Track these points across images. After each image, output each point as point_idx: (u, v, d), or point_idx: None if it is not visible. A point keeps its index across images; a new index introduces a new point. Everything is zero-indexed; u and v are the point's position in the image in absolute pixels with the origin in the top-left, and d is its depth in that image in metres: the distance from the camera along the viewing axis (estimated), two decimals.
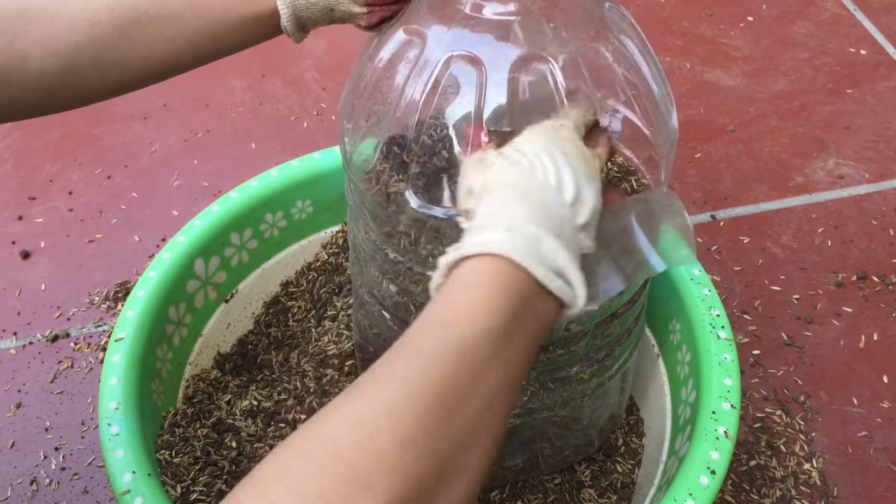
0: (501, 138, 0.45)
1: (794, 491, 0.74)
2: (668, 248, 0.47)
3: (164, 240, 0.96)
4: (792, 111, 1.11)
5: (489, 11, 0.49)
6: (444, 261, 0.38)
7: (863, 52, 1.20)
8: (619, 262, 0.46)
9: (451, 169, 0.50)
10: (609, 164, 0.58)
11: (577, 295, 0.38)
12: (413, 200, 0.50)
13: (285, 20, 0.51)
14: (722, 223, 0.97)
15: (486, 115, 0.47)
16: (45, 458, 0.77)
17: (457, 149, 0.48)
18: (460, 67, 0.48)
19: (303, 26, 0.52)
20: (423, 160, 0.51)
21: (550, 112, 0.47)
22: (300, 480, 0.29)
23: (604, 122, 0.49)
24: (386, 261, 0.56)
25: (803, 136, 1.08)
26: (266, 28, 0.52)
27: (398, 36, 0.51)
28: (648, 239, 0.47)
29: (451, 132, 0.49)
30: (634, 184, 0.57)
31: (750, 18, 1.26)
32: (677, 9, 1.28)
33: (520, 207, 0.38)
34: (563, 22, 0.49)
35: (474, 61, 0.48)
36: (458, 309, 0.35)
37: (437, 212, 0.50)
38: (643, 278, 0.47)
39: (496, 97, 0.47)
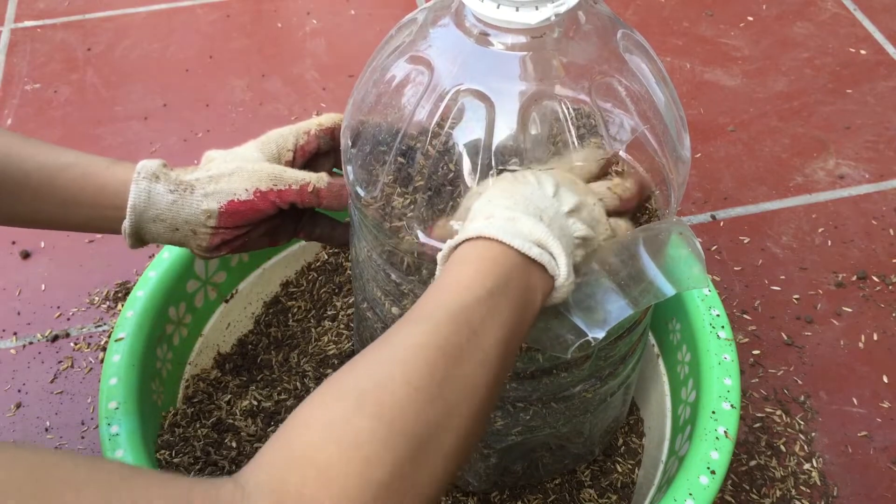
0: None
1: (794, 491, 0.74)
2: (678, 273, 0.47)
3: None
4: (792, 111, 1.11)
5: (498, 43, 0.47)
6: (440, 255, 0.44)
7: (863, 52, 1.20)
8: (626, 289, 0.46)
9: (455, 201, 0.49)
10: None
11: (559, 263, 0.42)
12: (421, 236, 0.49)
13: (127, 225, 0.55)
14: (722, 223, 0.97)
15: (494, 152, 0.45)
16: None
17: (464, 182, 0.47)
18: (468, 102, 0.47)
19: (141, 238, 0.56)
20: (429, 182, 0.50)
21: (560, 149, 0.48)
22: (334, 422, 0.35)
23: (612, 131, 0.49)
24: (388, 282, 0.55)
25: (803, 136, 1.08)
26: (112, 224, 0.56)
27: (404, 63, 0.50)
28: (657, 265, 0.47)
29: (459, 169, 0.48)
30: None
31: (750, 18, 1.26)
32: (677, 9, 1.28)
33: (501, 201, 0.44)
34: (576, 56, 0.48)
35: (483, 97, 0.46)
36: (455, 280, 0.41)
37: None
38: (651, 302, 0.47)
39: (505, 135, 0.46)
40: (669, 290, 0.46)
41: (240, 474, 0.34)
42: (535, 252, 0.41)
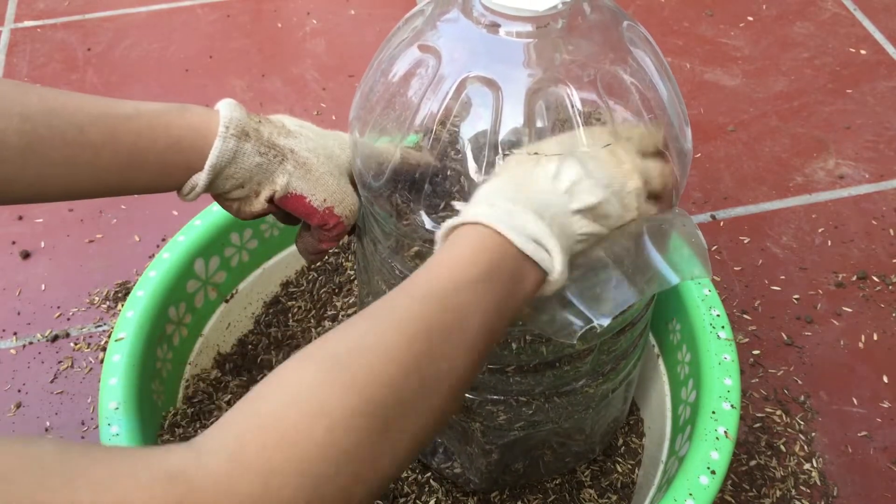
0: None
1: (794, 491, 0.74)
2: (681, 263, 0.47)
3: (164, 240, 0.96)
4: (792, 111, 1.11)
5: (505, 32, 0.48)
6: (439, 232, 0.44)
7: (863, 52, 1.20)
8: (632, 278, 0.47)
9: (463, 187, 0.49)
10: None
11: (554, 261, 0.42)
12: (428, 223, 0.50)
13: (202, 186, 0.50)
14: (722, 223, 0.97)
15: (501, 138, 0.46)
16: None
17: (471, 168, 0.48)
18: (476, 89, 0.47)
19: (199, 193, 0.51)
20: (436, 171, 0.50)
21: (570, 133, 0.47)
22: (305, 386, 0.34)
23: (617, 121, 0.49)
24: (393, 275, 0.55)
25: (803, 136, 1.08)
26: (180, 181, 0.50)
27: (412, 52, 0.50)
28: (661, 255, 0.47)
29: (466, 154, 0.48)
30: None
31: (750, 18, 1.26)
32: (677, 9, 1.28)
33: (506, 191, 0.43)
34: (581, 44, 0.48)
35: (490, 83, 0.47)
36: (447, 261, 0.41)
37: None
38: (656, 290, 0.47)
39: (512, 120, 0.46)
40: (674, 278, 0.47)
41: (197, 438, 0.32)
42: (530, 248, 0.41)
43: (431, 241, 0.50)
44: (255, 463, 0.31)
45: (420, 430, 0.36)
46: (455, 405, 0.39)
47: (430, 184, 0.50)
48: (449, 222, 0.43)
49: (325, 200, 0.53)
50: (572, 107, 0.47)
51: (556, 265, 0.42)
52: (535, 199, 0.43)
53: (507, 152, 0.46)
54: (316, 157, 0.53)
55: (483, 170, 0.47)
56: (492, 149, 0.47)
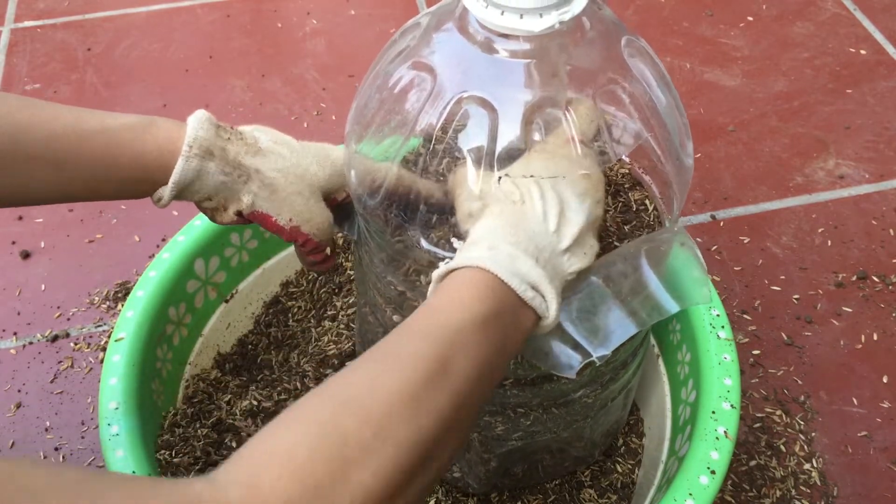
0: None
1: (794, 491, 0.73)
2: (681, 288, 0.47)
3: (164, 240, 0.96)
4: (792, 111, 1.11)
5: (502, 50, 0.46)
6: (436, 273, 0.43)
7: (863, 52, 1.20)
8: (630, 306, 0.46)
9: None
10: (618, 174, 0.58)
11: (549, 307, 0.43)
12: (423, 243, 0.49)
13: (168, 198, 0.51)
14: (722, 223, 0.97)
15: (496, 158, 0.45)
16: (45, 458, 0.77)
17: (469, 186, 0.47)
18: (472, 109, 0.46)
19: (167, 203, 0.52)
20: (431, 192, 0.50)
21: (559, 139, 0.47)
22: (320, 421, 0.34)
23: (616, 135, 0.49)
24: (388, 289, 0.55)
25: (803, 136, 1.08)
26: (146, 192, 0.52)
27: (406, 70, 0.49)
28: (660, 279, 0.47)
29: (461, 172, 0.48)
30: (637, 195, 0.57)
31: (750, 18, 1.26)
32: (677, 9, 1.28)
33: (505, 233, 0.43)
34: (580, 62, 0.48)
35: (486, 104, 0.46)
36: (451, 300, 0.41)
37: (446, 254, 0.49)
38: (656, 320, 0.47)
39: (508, 141, 0.46)
40: (673, 306, 0.46)
41: (215, 471, 0.33)
42: (529, 295, 0.42)
43: (425, 260, 0.50)
44: (272, 494, 0.31)
45: (441, 465, 0.37)
46: (465, 443, 0.40)
47: (426, 203, 0.50)
48: (448, 265, 0.43)
49: (290, 220, 0.54)
50: (570, 127, 0.46)
51: (551, 312, 0.43)
52: (531, 244, 0.43)
53: (501, 175, 0.46)
54: (284, 176, 0.53)
55: (479, 191, 0.46)
56: (487, 170, 0.46)
